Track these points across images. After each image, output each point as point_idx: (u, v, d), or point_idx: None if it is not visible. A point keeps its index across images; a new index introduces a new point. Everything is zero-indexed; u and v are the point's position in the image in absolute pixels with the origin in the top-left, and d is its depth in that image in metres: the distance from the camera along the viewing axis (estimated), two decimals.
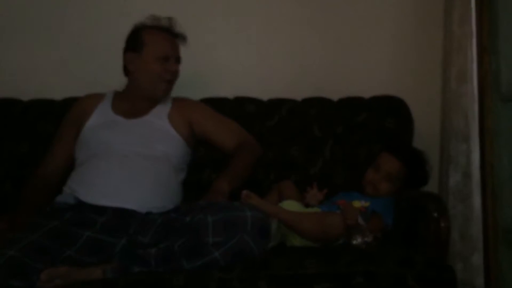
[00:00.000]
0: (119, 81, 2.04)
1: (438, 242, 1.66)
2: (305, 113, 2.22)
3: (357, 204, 1.87)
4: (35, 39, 2.38)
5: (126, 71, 1.98)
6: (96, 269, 1.53)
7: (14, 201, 1.86)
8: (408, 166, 1.91)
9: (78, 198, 1.70)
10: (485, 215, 2.07)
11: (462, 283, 2.15)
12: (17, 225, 1.64)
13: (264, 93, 2.31)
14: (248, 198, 1.72)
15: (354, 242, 1.67)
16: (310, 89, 2.34)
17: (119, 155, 1.78)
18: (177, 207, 1.76)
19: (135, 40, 1.94)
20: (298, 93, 2.31)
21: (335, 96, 2.28)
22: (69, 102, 2.15)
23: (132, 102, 1.96)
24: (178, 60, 1.97)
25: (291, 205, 1.87)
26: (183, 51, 2.02)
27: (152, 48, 1.91)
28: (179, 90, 2.04)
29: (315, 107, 2.24)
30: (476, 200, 2.17)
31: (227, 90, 2.31)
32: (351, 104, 2.24)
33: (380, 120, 2.17)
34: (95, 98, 2.00)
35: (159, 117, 1.93)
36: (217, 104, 2.19)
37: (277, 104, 2.26)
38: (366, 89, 2.30)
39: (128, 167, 1.75)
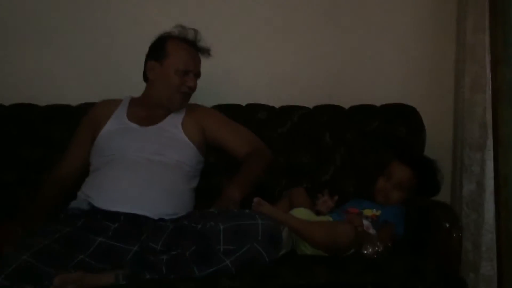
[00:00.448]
0: (134, 88, 2.06)
1: (449, 252, 1.65)
2: (317, 121, 2.23)
3: (369, 212, 1.88)
4: (51, 44, 2.40)
5: (146, 77, 2.01)
6: (108, 275, 1.55)
7: (27, 205, 1.87)
8: (420, 175, 1.91)
9: (92, 203, 1.72)
10: (498, 227, 2.04)
11: None
12: (30, 229, 1.66)
13: (276, 101, 2.32)
14: (259, 206, 1.72)
15: (365, 251, 1.67)
16: (322, 97, 2.35)
17: (133, 162, 1.80)
18: (188, 214, 1.77)
19: (159, 49, 1.96)
20: (310, 101, 2.31)
21: (346, 104, 2.29)
22: (85, 108, 2.18)
23: (148, 109, 1.98)
24: (198, 75, 1.98)
25: (301, 213, 1.86)
26: None
27: (174, 60, 1.93)
28: (192, 96, 2.05)
29: (327, 115, 2.25)
30: (489, 209, 2.16)
31: (240, 97, 2.32)
32: (363, 112, 2.25)
33: (391, 128, 2.18)
34: (111, 104, 2.03)
35: (173, 125, 1.94)
36: (230, 111, 2.20)
37: (289, 111, 2.27)
38: (378, 97, 2.31)
39: (141, 174, 1.77)
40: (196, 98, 2.08)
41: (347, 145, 2.18)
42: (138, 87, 2.06)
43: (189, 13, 2.32)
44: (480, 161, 2.20)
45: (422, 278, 1.56)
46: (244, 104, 2.29)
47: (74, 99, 2.29)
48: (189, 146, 1.93)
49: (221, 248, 1.53)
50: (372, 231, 1.81)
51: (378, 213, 1.86)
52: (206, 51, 2.01)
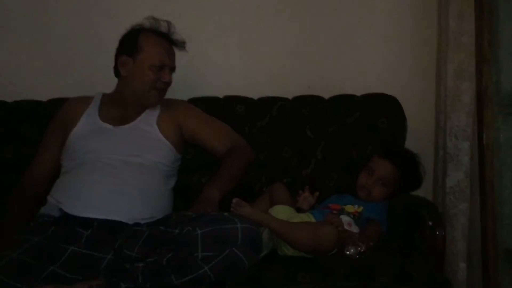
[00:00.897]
0: (106, 82, 1.98)
1: (434, 251, 1.63)
2: (297, 113, 2.18)
3: (350, 208, 1.84)
4: (20, 39, 2.33)
5: (117, 72, 1.92)
6: (82, 286, 1.48)
7: None
8: (402, 170, 1.88)
9: (63, 210, 1.65)
10: (484, 235, 2.01)
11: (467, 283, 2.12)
12: (4, 242, 1.58)
13: (254, 92, 2.25)
14: (239, 207, 1.68)
15: (347, 252, 1.63)
16: (302, 87, 2.29)
17: (106, 164, 1.73)
18: (165, 218, 1.71)
19: (131, 44, 1.87)
20: (289, 91, 2.25)
21: (326, 94, 2.23)
22: (56, 104, 2.10)
23: (121, 107, 1.91)
24: (173, 69, 1.91)
25: (282, 210, 1.83)
26: None
27: (148, 55, 1.84)
28: (168, 90, 1.98)
29: (307, 107, 2.19)
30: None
31: (217, 89, 2.26)
32: (343, 103, 2.19)
33: (372, 120, 2.13)
34: (82, 102, 1.94)
35: (148, 123, 1.87)
36: (207, 104, 2.15)
37: (268, 103, 2.21)
38: (359, 86, 2.26)
39: (115, 177, 1.70)
40: (172, 91, 2.01)
41: (328, 138, 2.12)
42: (110, 82, 1.98)
43: (165, 5, 2.23)
44: (469, 150, 2.16)
45: (408, 282, 1.53)
46: (221, 96, 2.23)
47: (44, 94, 2.20)
48: (165, 145, 1.86)
49: (200, 255, 1.48)
50: (354, 227, 1.78)
51: (360, 209, 1.82)
52: (181, 44, 1.93)
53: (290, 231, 1.65)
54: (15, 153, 2.08)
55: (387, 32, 2.36)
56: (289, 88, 2.29)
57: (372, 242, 1.68)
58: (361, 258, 1.62)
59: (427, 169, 2.04)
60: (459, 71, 2.18)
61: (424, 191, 2.11)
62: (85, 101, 1.95)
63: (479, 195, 2.02)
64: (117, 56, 1.90)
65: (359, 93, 2.22)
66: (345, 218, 1.77)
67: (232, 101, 2.21)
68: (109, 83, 1.99)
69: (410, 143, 2.13)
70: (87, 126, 1.86)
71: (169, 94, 2.01)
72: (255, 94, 2.24)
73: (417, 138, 2.24)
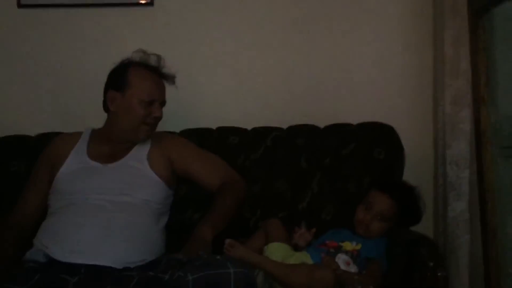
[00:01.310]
0: (96, 116, 1.93)
1: None
2: (291, 143, 2.13)
3: (348, 246, 1.78)
4: (8, 73, 2.30)
5: (106, 107, 1.86)
6: None
7: None
8: (401, 204, 1.82)
9: (49, 255, 1.59)
10: (487, 284, 1.95)
11: None
12: None
13: (248, 121, 2.22)
14: (232, 248, 1.62)
15: None
16: (296, 116, 2.26)
17: (94, 205, 1.66)
18: (157, 260, 1.64)
19: (120, 78, 1.81)
20: (284, 120, 2.21)
21: (322, 122, 2.19)
22: (44, 139, 2.06)
23: (110, 143, 1.85)
24: (163, 103, 1.85)
25: (278, 248, 1.78)
26: None
27: (138, 90, 1.79)
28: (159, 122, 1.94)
29: (301, 136, 2.14)
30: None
31: (210, 119, 2.23)
32: (339, 132, 2.14)
33: (369, 150, 2.08)
34: (70, 139, 1.89)
35: (138, 160, 1.81)
36: (200, 135, 2.11)
37: (262, 133, 2.16)
38: (354, 113, 2.22)
39: (104, 220, 1.63)
40: (164, 123, 1.96)
41: (323, 169, 2.07)
42: (99, 116, 1.92)
43: (156, 36, 2.23)
44: (469, 178, 2.10)
45: None
46: (214, 128, 2.18)
47: (32, 129, 2.16)
48: (157, 182, 1.80)
49: None
50: (352, 266, 1.72)
51: (359, 247, 1.76)
52: (171, 79, 1.88)
53: (285, 274, 1.59)
54: (2, 190, 2.02)
55: (380, 58, 2.33)
56: (283, 116, 2.27)
57: (376, 283, 1.61)
58: None
59: (427, 198, 2.01)
60: (456, 98, 2.13)
61: (424, 222, 2.05)
62: (73, 137, 1.89)
63: (482, 245, 1.94)
64: (105, 91, 1.85)
65: (354, 121, 2.17)
66: (343, 257, 1.72)
67: (225, 132, 2.17)
68: (100, 117, 1.93)
69: (409, 173, 2.08)
70: (75, 165, 1.80)
71: (161, 126, 1.95)
72: (249, 124, 2.20)
73: (416, 167, 2.20)
